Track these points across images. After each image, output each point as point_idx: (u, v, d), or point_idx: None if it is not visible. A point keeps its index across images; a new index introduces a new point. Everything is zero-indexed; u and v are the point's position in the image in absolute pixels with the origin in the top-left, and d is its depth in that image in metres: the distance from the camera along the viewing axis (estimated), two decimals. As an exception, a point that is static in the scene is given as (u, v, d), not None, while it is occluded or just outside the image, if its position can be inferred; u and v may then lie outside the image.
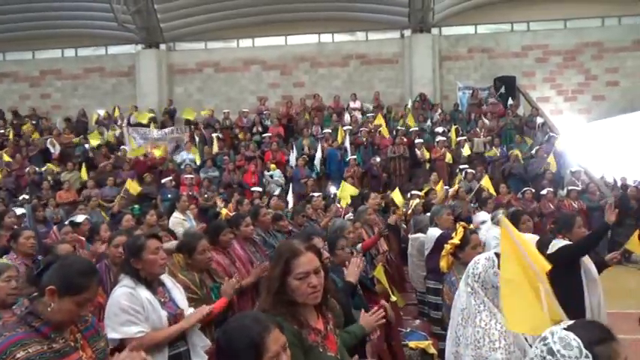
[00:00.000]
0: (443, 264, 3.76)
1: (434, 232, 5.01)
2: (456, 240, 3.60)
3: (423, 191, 9.54)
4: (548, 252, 3.71)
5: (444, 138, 12.08)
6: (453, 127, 12.82)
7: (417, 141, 11.97)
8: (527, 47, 15.88)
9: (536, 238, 4.77)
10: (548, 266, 2.03)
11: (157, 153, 12.81)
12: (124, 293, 2.56)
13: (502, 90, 14.61)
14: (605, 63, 15.60)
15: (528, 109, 14.09)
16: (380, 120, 13.04)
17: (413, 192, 9.35)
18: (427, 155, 11.72)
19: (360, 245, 5.07)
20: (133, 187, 10.65)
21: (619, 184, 11.01)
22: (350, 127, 12.94)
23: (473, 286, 2.39)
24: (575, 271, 3.69)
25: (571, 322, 1.19)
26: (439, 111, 14.12)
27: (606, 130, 13.31)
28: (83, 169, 11.96)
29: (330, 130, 13.02)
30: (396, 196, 8.54)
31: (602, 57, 15.61)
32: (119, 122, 14.70)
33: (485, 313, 2.30)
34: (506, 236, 2.11)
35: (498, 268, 2.38)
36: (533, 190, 9.71)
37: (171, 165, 12.25)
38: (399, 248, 7.38)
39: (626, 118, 13.34)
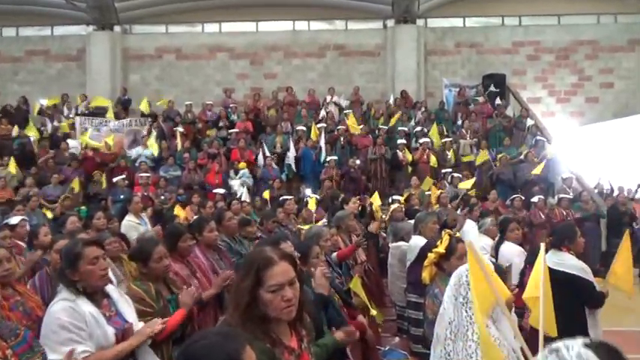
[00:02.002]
0: (425, 275, 3.77)
1: (418, 241, 5.03)
2: (441, 249, 3.62)
3: (404, 196, 9.63)
4: (558, 267, 3.79)
5: (428, 139, 12.20)
6: (433, 127, 12.89)
7: (399, 142, 12.06)
8: (518, 43, 16.25)
9: (520, 249, 4.88)
10: (508, 294, 2.14)
11: (110, 142, 12.45)
12: (63, 308, 2.46)
13: (491, 88, 14.87)
14: (600, 63, 16.11)
15: (518, 110, 14.38)
16: (352, 121, 12.92)
17: (394, 197, 9.41)
18: (410, 157, 11.82)
19: (334, 255, 5.05)
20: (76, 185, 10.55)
21: (616, 192, 11.37)
22: (325, 125, 12.96)
23: (465, 295, 2.41)
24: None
25: (586, 339, 1.19)
26: (422, 109, 14.25)
27: (599, 135, 13.69)
28: (11, 162, 11.47)
29: (304, 128, 13.01)
30: (376, 200, 8.61)
31: (596, 56, 16.10)
32: (66, 112, 14.31)
33: (478, 325, 2.32)
34: (472, 259, 2.18)
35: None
36: (523, 198, 9.90)
37: (124, 162, 12.00)
38: (378, 258, 7.41)
39: (620, 122, 13.75)
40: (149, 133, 13.11)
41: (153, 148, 12.39)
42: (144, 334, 2.66)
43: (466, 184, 10.14)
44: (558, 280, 3.83)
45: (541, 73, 16.22)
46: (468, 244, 2.18)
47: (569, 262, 3.85)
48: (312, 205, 8.35)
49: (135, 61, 16.55)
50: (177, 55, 16.51)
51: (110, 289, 2.77)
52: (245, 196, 9.95)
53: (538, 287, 2.72)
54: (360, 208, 8.46)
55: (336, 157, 11.69)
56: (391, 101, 14.63)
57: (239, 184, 11.24)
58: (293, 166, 12.09)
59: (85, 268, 2.58)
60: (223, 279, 3.73)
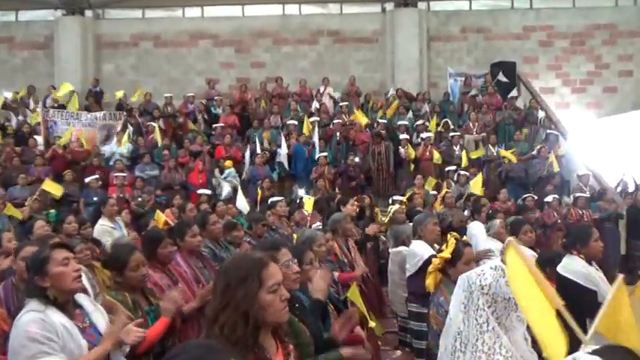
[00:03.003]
0: (429, 282, 3.79)
1: (417, 247, 5.03)
2: (447, 253, 3.64)
3: (406, 196, 9.65)
4: (562, 272, 3.80)
5: (431, 134, 12.25)
6: (433, 119, 12.98)
7: (401, 137, 12.09)
8: (529, 28, 16.28)
9: (532, 253, 4.90)
10: (559, 303, 2.03)
11: (82, 139, 12.41)
12: (32, 320, 2.45)
13: (499, 77, 14.89)
14: (619, 49, 16.15)
15: (529, 101, 14.40)
16: (359, 116, 12.94)
17: (395, 197, 9.43)
18: (412, 154, 11.84)
19: (336, 274, 4.99)
20: (53, 187, 10.33)
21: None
22: (317, 119, 12.96)
23: (477, 301, 2.41)
24: None
25: (595, 347, 1.21)
26: (425, 102, 14.26)
27: (618, 128, 13.77)
28: None
29: (296, 122, 13.01)
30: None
31: (614, 42, 16.15)
32: (32, 106, 14.24)
33: (489, 334, 2.33)
34: (516, 261, 2.07)
35: None
36: (536, 197, 9.95)
37: (97, 160, 11.95)
38: (377, 265, 7.43)
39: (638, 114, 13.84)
40: (124, 128, 13.08)
41: (125, 145, 12.37)
42: (113, 334, 2.64)
43: (476, 185, 10.08)
44: (563, 286, 3.86)
45: (554, 61, 16.25)
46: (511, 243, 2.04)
47: (574, 268, 3.88)
48: (308, 207, 8.32)
49: (108, 49, 16.48)
50: (156, 42, 16.45)
51: (82, 298, 2.77)
52: (243, 204, 9.62)
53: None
54: (357, 210, 8.44)
55: (326, 154, 11.69)
56: (390, 94, 14.63)
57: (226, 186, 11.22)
58: (285, 164, 12.06)
59: (55, 271, 2.57)
60: (209, 291, 3.71)
